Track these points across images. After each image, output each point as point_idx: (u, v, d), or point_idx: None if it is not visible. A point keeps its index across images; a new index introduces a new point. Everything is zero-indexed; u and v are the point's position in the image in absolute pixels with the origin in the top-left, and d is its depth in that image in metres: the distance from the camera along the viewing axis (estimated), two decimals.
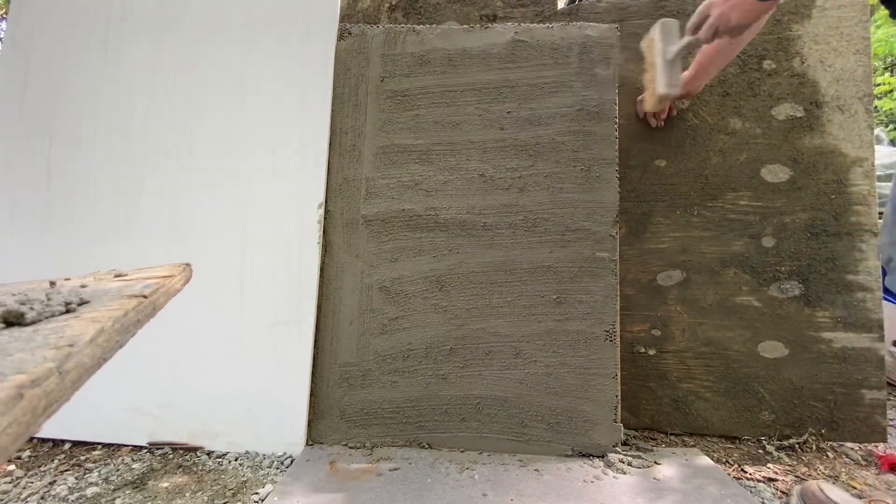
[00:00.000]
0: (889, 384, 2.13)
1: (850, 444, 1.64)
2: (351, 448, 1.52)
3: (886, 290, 2.13)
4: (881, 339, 1.63)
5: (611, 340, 1.51)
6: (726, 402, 1.68)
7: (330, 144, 1.66)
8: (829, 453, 1.58)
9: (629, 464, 1.42)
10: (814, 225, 1.69)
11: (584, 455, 1.47)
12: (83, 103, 1.73)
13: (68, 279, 0.59)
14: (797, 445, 1.59)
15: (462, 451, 1.50)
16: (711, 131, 1.75)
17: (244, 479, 1.38)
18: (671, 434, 1.70)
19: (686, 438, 1.68)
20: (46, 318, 0.43)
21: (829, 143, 1.70)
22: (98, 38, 1.76)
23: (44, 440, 1.59)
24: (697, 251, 1.73)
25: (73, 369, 0.34)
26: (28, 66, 1.76)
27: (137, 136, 1.70)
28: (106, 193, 1.68)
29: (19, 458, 1.52)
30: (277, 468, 1.44)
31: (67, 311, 0.45)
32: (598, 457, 1.46)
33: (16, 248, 1.66)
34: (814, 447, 1.60)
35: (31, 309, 0.43)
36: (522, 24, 1.67)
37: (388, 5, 2.00)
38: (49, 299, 0.46)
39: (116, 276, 0.60)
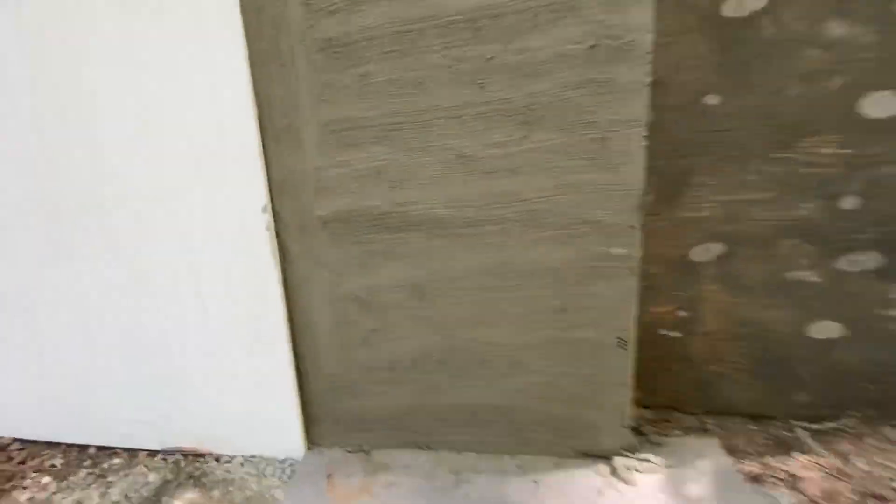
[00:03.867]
0: None
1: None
2: (349, 452, 1.51)
3: None
4: None
5: (623, 347, 1.29)
6: (756, 383, 1.49)
7: (260, 125, 1.27)
8: (869, 438, 1.43)
9: (636, 470, 1.34)
10: None
11: (589, 456, 1.39)
12: None
13: None
14: (832, 429, 1.44)
15: (460, 454, 1.47)
16: (796, 45, 1.19)
17: (249, 494, 1.44)
18: (690, 413, 1.57)
19: (706, 419, 1.56)
20: None
21: None
22: None
23: (70, 446, 1.70)
24: (748, 219, 1.34)
25: None
26: None
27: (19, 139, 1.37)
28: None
29: (53, 465, 1.64)
30: (279, 477, 1.48)
31: None
32: (603, 458, 1.38)
33: None
34: (851, 431, 1.44)
35: None
36: None
37: None
38: None
39: None
